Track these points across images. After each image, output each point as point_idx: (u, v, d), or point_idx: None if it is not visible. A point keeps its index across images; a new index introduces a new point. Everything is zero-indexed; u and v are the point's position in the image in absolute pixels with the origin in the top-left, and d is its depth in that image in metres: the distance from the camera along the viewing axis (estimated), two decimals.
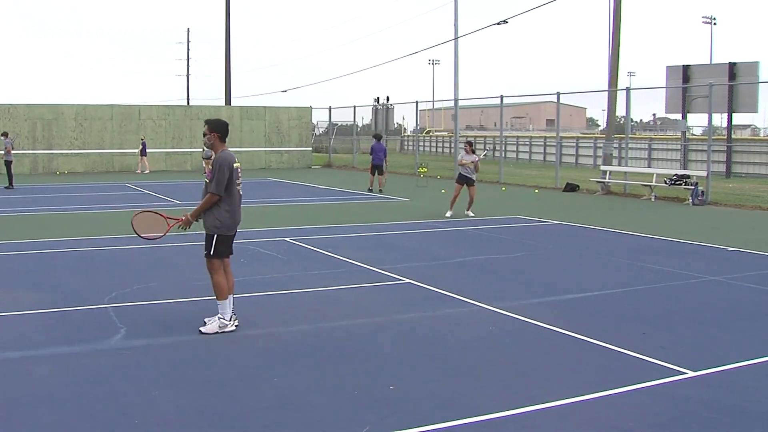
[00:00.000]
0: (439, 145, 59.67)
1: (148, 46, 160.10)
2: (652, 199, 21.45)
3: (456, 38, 29.62)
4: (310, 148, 39.84)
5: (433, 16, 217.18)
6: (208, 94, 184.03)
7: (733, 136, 33.31)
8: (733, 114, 29.22)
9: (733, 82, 26.01)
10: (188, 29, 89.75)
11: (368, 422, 4.99)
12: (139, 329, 7.25)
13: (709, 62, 42.30)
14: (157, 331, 7.20)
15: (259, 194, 22.05)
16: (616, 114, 27.30)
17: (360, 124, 47.01)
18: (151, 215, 7.46)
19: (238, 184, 7.15)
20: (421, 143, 54.72)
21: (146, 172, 32.86)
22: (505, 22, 29.61)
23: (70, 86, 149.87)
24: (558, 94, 27.24)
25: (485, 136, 55.81)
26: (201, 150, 26.65)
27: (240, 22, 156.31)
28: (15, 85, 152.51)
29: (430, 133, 65.28)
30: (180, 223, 7.22)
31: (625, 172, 24.65)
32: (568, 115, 77.29)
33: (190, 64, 74.30)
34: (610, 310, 8.17)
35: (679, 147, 33.56)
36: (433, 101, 63.64)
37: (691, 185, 20.78)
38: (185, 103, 63.64)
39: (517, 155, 48.47)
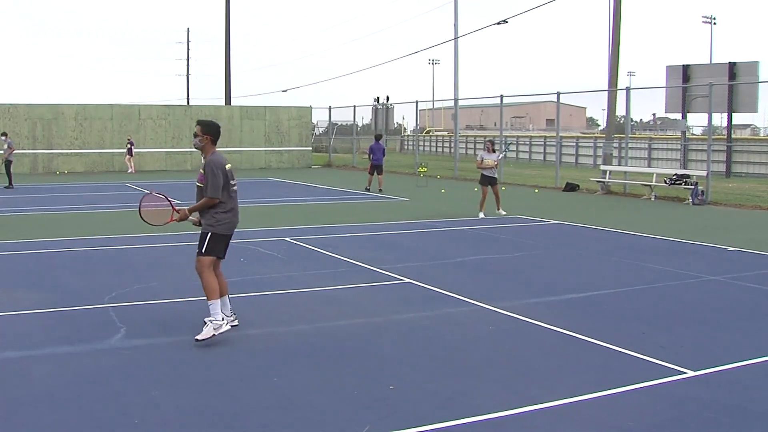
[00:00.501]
0: (439, 144, 59.70)
1: (148, 46, 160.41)
2: (652, 199, 21.44)
3: (456, 38, 29.66)
4: (310, 148, 39.83)
5: (433, 16, 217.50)
6: (208, 94, 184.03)
7: (733, 136, 33.32)
8: (733, 114, 29.24)
9: (733, 82, 26.03)
10: (188, 29, 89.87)
11: (368, 422, 4.99)
12: (139, 329, 7.25)
13: (709, 62, 42.33)
14: (157, 331, 7.20)
15: (258, 194, 22.05)
16: (616, 114, 27.28)
17: (360, 124, 47.13)
18: (161, 206, 7.29)
19: (233, 185, 7.06)
20: (421, 143, 54.75)
21: (129, 171, 32.72)
22: (504, 22, 29.74)
23: (70, 86, 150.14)
24: (558, 93, 27.21)
25: (485, 136, 55.77)
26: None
27: (240, 22, 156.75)
28: (15, 85, 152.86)
29: (430, 133, 65.29)
30: (179, 216, 7.12)
31: (625, 172, 24.65)
32: (568, 114, 77.27)
33: (190, 63, 74.52)
34: (610, 310, 8.17)
35: (679, 147, 33.58)
36: (433, 101, 63.85)
37: (691, 185, 20.78)
38: (185, 103, 63.68)
39: (517, 155, 48.46)
